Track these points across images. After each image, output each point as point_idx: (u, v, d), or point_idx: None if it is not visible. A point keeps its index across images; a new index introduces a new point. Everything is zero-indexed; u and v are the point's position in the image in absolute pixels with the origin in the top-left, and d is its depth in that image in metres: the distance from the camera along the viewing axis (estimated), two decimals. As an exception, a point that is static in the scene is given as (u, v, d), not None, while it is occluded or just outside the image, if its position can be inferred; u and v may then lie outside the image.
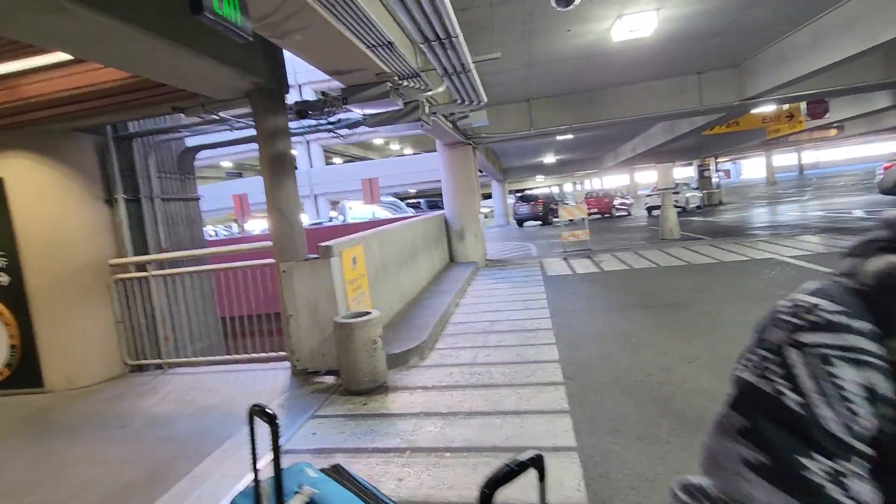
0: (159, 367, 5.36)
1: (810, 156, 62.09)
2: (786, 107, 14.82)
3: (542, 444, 2.97)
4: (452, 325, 5.95)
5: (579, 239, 11.52)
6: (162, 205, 5.84)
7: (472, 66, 4.58)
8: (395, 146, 31.34)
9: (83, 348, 5.11)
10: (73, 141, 5.08)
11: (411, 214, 14.67)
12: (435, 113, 6.45)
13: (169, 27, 3.07)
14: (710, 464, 0.43)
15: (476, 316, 6.30)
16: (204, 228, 7.10)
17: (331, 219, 19.35)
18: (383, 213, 14.68)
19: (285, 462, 1.28)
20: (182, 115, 4.83)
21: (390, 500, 1.32)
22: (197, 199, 6.53)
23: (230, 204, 15.67)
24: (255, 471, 1.30)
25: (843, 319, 0.39)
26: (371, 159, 29.95)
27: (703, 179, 25.74)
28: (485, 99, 5.86)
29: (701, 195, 23.06)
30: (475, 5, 4.90)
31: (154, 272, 5.34)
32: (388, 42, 3.45)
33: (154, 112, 4.82)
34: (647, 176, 49.86)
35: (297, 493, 1.27)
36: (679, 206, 20.78)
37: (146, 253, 5.55)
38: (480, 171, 19.50)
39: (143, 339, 5.44)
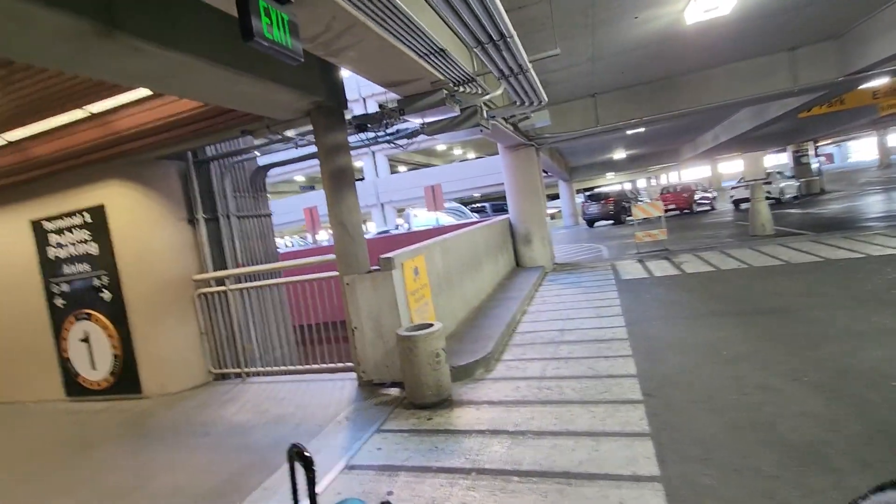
0: (239, 375, 5.66)
1: (935, 132, 54.04)
2: (901, 78, 12.89)
3: (620, 472, 2.69)
4: (519, 335, 5.73)
5: (656, 239, 10.76)
6: (237, 222, 6.20)
7: (529, 65, 4.37)
8: (457, 151, 31.51)
9: (173, 358, 5.52)
10: (158, 168, 5.53)
11: (476, 219, 14.55)
12: (494, 117, 6.29)
13: (231, 57, 3.20)
14: None
15: (544, 324, 6.03)
16: (279, 240, 7.47)
17: (397, 226, 19.78)
18: (447, 220, 14.70)
19: (343, 483, 1.20)
20: (251, 136, 5.08)
21: None
22: (269, 215, 6.86)
23: (303, 216, 16.54)
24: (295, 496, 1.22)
25: None
26: (435, 165, 30.32)
27: (801, 166, 23.15)
28: (545, 99, 5.60)
29: (798, 184, 20.74)
30: (531, 2, 4.69)
31: (232, 286, 5.66)
32: (441, 49, 3.35)
33: (226, 136, 5.11)
34: (732, 165, 45.98)
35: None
36: (772, 198, 18.83)
37: (224, 268, 5.91)
38: (545, 172, 18.97)
39: (224, 349, 5.78)
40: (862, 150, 54.34)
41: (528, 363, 4.72)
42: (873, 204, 14.38)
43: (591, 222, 22.79)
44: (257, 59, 3.22)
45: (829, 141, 45.15)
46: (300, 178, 29.52)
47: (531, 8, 4.80)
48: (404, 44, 3.18)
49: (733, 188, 20.45)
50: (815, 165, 23.10)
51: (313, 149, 5.83)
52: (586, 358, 4.61)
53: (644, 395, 3.61)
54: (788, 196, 19.74)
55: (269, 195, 7.07)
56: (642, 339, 4.89)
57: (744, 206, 17.01)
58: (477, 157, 29.77)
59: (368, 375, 4.62)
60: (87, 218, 5.49)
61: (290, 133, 5.01)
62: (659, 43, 6.77)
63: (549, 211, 11.85)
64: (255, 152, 6.25)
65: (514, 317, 6.30)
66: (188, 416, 4.78)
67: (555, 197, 29.75)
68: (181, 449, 4.04)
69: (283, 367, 5.74)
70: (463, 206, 18.89)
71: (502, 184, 11.16)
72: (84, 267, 5.59)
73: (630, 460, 2.80)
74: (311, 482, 1.10)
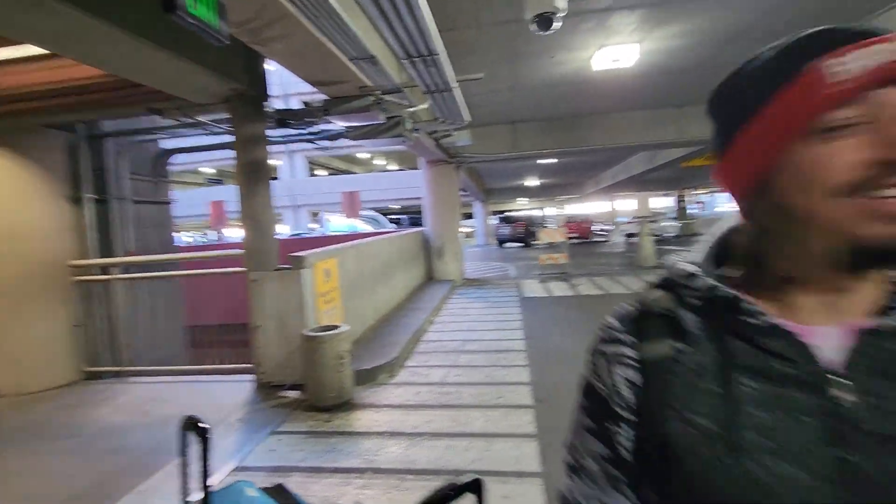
0: (118, 374, 5.13)
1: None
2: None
3: (506, 469, 2.91)
4: (425, 343, 5.87)
5: (557, 262, 11.60)
6: (132, 207, 5.68)
7: (454, 84, 4.62)
8: (379, 161, 31.42)
9: (36, 351, 4.86)
10: (41, 136, 4.92)
11: (392, 229, 14.62)
12: (418, 129, 6.47)
13: (150, 28, 3.02)
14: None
15: (450, 334, 6.24)
16: (178, 235, 6.94)
17: (311, 230, 19.15)
18: (364, 227, 14.60)
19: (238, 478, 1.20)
20: (158, 116, 4.74)
21: None
22: (169, 203, 6.37)
23: (208, 210, 15.40)
24: (185, 491, 1.22)
25: (619, 335, 0.58)
26: (355, 173, 29.93)
27: (681, 210, 26.47)
28: (467, 118, 5.91)
29: (678, 225, 23.65)
30: (462, 26, 4.97)
31: (119, 276, 5.15)
32: (371, 56, 3.45)
33: (129, 112, 4.72)
34: (627, 204, 50.94)
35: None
36: (656, 235, 21.30)
37: (111, 255, 5.36)
38: (463, 190, 19.65)
39: (101, 344, 5.21)
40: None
41: (431, 370, 4.87)
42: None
43: (501, 242, 23.96)
44: (180, 34, 3.05)
45: (704, 191, 52.13)
46: (209, 171, 27.43)
47: (462, 31, 5.08)
48: (335, 45, 3.23)
49: (627, 223, 22.80)
50: (692, 211, 26.56)
51: (226, 138, 5.59)
52: (486, 367, 4.87)
53: (535, 401, 3.92)
54: (670, 234, 22.44)
55: (171, 184, 6.57)
56: (538, 351, 5.28)
57: (633, 239, 18.97)
58: (399, 169, 29.92)
59: (268, 377, 4.45)
60: (-61, 184, 4.71)
61: (202, 118, 4.76)
62: (570, 84, 7.48)
63: (464, 229, 12.28)
64: (160, 134, 5.80)
65: (422, 326, 6.44)
66: (50, 417, 4.23)
67: (470, 216, 30.78)
68: (37, 452, 3.58)
69: (171, 367, 5.31)
70: (380, 215, 18.87)
71: (420, 198, 11.39)
72: (-73, 240, 4.76)
73: (517, 459, 3.03)
74: (205, 455, 1.11)
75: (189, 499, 1.18)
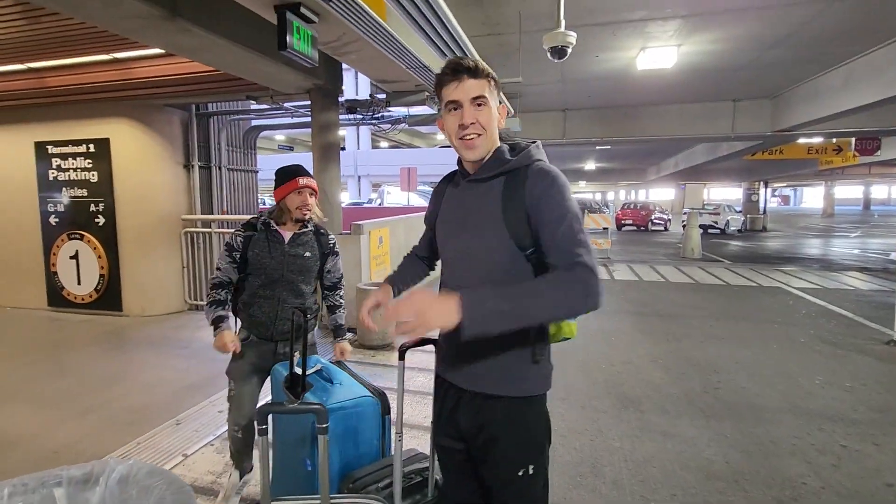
0: (212, 308, 6.43)
1: (882, 190, 58.09)
2: (834, 140, 14.60)
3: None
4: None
5: (601, 247, 12.00)
6: (227, 173, 6.90)
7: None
8: (441, 136, 32.12)
9: (156, 284, 6.24)
10: (164, 114, 6.17)
11: (445, 205, 15.45)
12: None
13: (255, 41, 3.97)
14: None
15: (483, 302, 7.05)
16: (262, 197, 8.16)
17: (370, 200, 20.42)
18: (419, 201, 15.55)
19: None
20: (253, 101, 5.80)
21: (373, 385, 2.13)
22: (256, 171, 7.57)
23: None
24: (292, 348, 2.16)
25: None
26: (417, 147, 30.90)
27: (750, 203, 25.23)
28: (512, 111, 6.53)
29: (743, 219, 22.69)
30: (508, 31, 5.58)
31: (216, 230, 6.40)
32: (425, 65, 4.22)
33: (231, 97, 5.81)
34: (694, 193, 48.48)
35: (313, 366, 2.12)
36: (717, 228, 20.62)
37: (211, 213, 6.62)
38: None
39: (201, 283, 6.53)
40: (815, 196, 57.99)
41: (461, 328, 5.73)
42: (796, 245, 16.21)
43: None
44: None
45: (785, 184, 48.33)
46: (280, 138, 29.50)
47: (507, 36, 5.70)
48: (396, 58, 4.04)
49: (685, 213, 22.18)
50: (763, 204, 25.18)
51: (303, 119, 6.61)
52: (508, 330, 5.66)
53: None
54: (733, 228, 21.61)
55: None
56: (556, 322, 5.98)
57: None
58: (458, 146, 30.46)
59: (327, 321, 5.51)
60: (92, 148, 6.08)
61: (288, 105, 5.77)
62: (617, 79, 7.82)
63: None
64: (251, 115, 6.93)
65: (459, 293, 7.29)
66: (166, 333, 5.55)
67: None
68: (162, 355, 4.85)
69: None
70: (436, 191, 19.74)
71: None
72: (82, 192, 6.19)
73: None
74: (306, 325, 2.02)
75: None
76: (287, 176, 2.15)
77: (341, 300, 2.50)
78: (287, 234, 2.19)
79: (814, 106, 8.19)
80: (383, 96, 5.71)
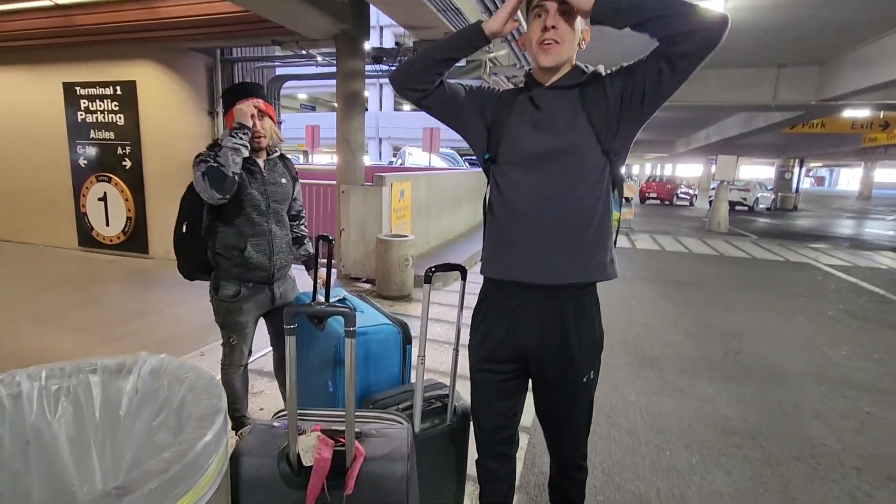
0: (235, 256, 6.55)
1: (926, 173, 55.29)
2: (881, 114, 13.78)
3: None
4: (479, 265, 6.71)
5: (624, 217, 11.76)
6: (252, 123, 6.86)
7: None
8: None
9: (180, 230, 6.33)
10: (189, 58, 6.11)
11: (465, 168, 15.27)
12: (496, 74, 6.96)
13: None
14: None
15: (502, 263, 7.02)
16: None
17: (390, 163, 20.28)
18: (440, 164, 15.37)
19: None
20: (278, 47, 5.69)
21: (395, 316, 2.13)
22: (280, 122, 7.52)
23: (301, 135, 16.89)
24: (315, 278, 2.16)
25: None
26: (439, 111, 30.25)
27: (782, 181, 24.25)
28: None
29: (773, 197, 21.90)
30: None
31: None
32: (456, 8, 4.05)
33: (256, 42, 5.70)
34: (722, 168, 46.91)
35: (336, 296, 2.13)
36: (745, 205, 19.96)
37: (235, 161, 6.63)
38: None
39: (224, 231, 6.61)
40: (851, 179, 55.56)
41: (479, 286, 5.72)
42: (827, 226, 15.64)
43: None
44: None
45: (821, 163, 46.26)
46: (302, 96, 29.21)
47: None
48: (426, -2, 3.88)
49: (712, 189, 21.48)
50: (795, 183, 24.20)
51: (328, 69, 6.47)
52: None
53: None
54: (762, 206, 20.91)
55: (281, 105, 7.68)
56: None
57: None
58: (481, 110, 29.77)
59: (347, 270, 5.57)
60: (119, 90, 6.09)
61: (313, 52, 5.65)
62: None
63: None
64: (276, 62, 6.82)
65: (479, 252, 7.27)
66: (191, 276, 5.67)
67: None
68: (186, 294, 4.96)
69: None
70: (458, 155, 19.45)
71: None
72: (109, 134, 6.25)
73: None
74: (331, 254, 2.01)
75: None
76: (233, 93, 1.99)
77: (305, 230, 2.42)
78: (260, 163, 2.04)
79: (867, 73, 7.68)
80: (411, 45, 5.54)
